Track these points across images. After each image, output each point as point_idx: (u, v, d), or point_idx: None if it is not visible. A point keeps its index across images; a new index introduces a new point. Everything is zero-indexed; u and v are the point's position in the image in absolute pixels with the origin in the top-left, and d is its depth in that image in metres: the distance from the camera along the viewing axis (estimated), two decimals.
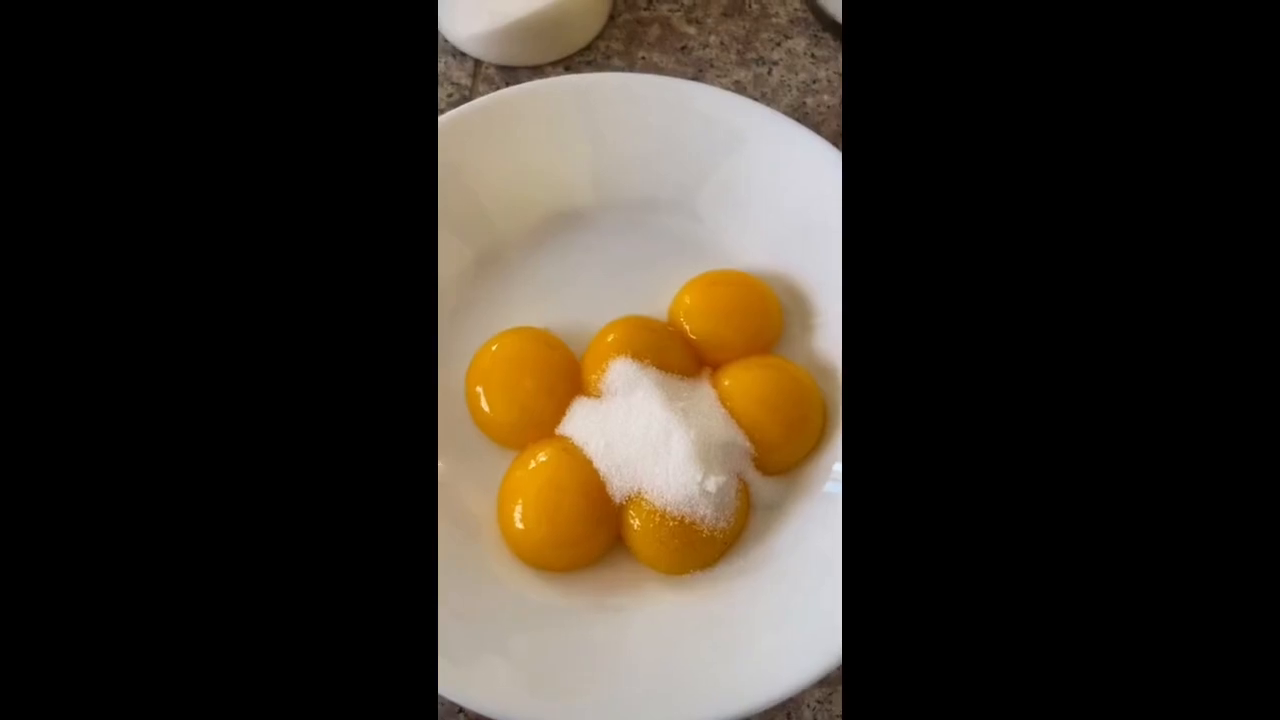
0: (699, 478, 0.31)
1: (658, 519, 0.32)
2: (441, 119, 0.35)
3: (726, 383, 0.34)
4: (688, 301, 0.35)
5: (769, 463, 0.33)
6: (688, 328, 0.35)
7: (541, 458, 0.33)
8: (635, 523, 0.32)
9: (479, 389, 0.34)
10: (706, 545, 0.32)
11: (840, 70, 0.42)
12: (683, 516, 0.32)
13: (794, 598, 0.32)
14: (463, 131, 0.35)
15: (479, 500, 0.33)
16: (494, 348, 0.35)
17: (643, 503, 0.32)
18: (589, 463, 0.32)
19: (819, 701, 0.33)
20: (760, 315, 0.35)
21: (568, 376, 0.34)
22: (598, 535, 0.33)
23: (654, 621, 0.32)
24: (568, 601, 0.32)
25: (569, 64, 0.42)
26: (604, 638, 0.32)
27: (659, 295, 0.36)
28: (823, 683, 0.32)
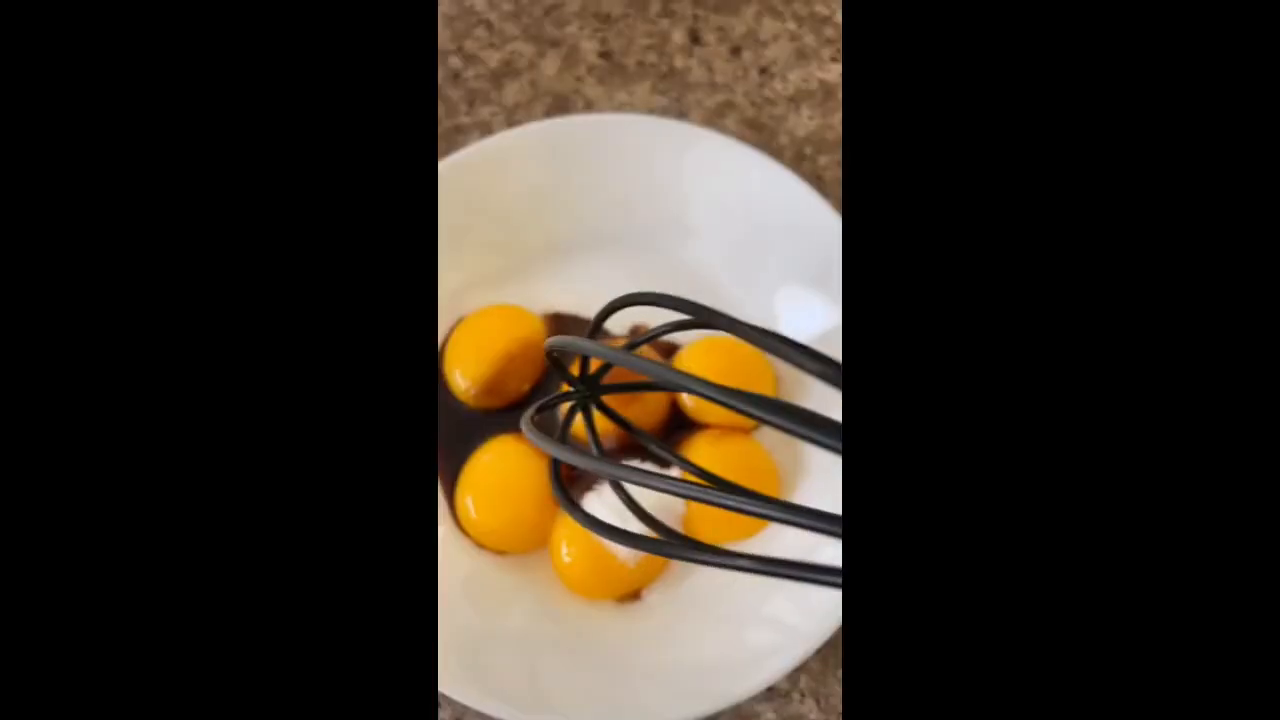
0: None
1: (580, 541, 0.35)
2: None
3: (695, 455, 0.36)
4: (685, 362, 0.37)
5: (698, 534, 0.35)
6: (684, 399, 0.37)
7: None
8: (564, 542, 0.35)
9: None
10: (617, 576, 0.35)
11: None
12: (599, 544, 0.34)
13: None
14: (452, 176, 0.38)
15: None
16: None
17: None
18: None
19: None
20: (752, 384, 0.37)
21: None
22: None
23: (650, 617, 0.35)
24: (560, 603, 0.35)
25: None
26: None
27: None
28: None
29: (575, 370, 0.32)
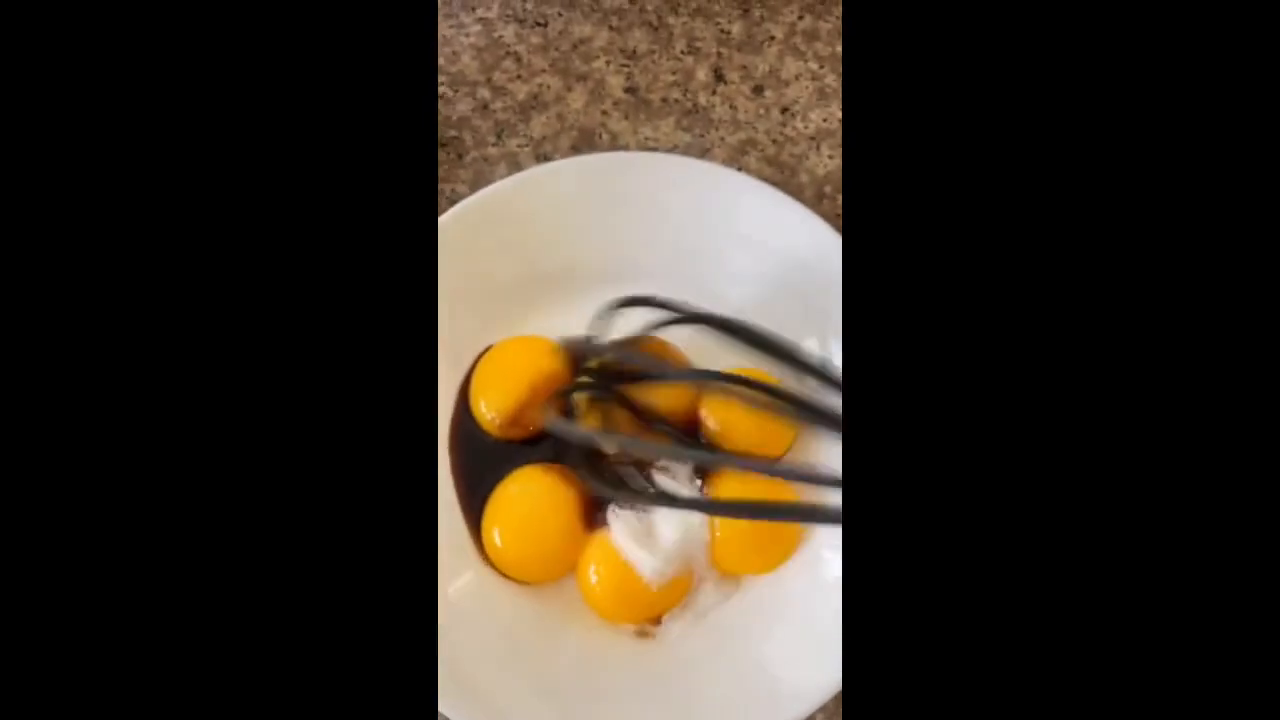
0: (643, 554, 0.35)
1: (608, 563, 0.36)
2: (444, 217, 0.39)
3: (721, 485, 0.37)
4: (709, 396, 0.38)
5: (722, 566, 0.37)
6: (706, 416, 0.38)
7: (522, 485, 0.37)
8: (592, 565, 0.36)
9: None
10: (642, 598, 0.36)
11: None
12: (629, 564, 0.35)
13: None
14: (471, 219, 0.39)
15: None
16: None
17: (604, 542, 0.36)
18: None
19: None
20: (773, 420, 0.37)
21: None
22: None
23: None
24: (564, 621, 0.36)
25: None
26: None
27: None
28: None
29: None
